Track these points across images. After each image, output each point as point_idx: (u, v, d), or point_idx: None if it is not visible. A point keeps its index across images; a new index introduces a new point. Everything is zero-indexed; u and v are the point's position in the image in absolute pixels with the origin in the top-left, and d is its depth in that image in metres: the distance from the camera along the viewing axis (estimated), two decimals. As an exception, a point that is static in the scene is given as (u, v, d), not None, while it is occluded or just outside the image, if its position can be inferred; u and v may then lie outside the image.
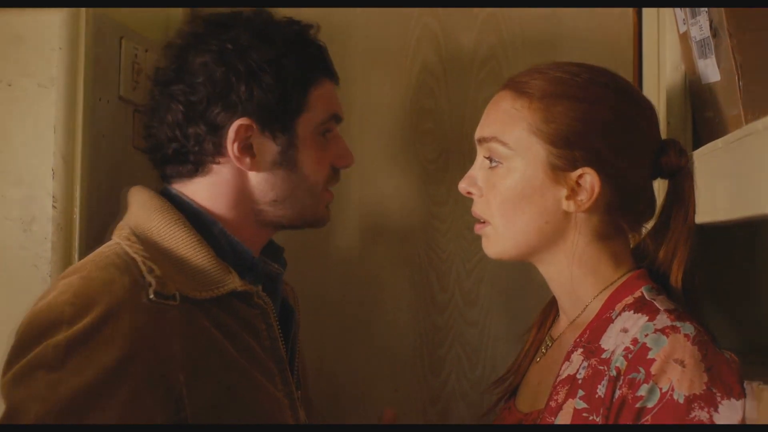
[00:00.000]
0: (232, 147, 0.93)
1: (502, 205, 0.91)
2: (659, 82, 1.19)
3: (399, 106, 1.39)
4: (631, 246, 0.97)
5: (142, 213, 0.93)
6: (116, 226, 0.95)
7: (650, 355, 0.79)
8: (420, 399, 1.37)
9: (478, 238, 0.97)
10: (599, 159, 0.88)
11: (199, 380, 0.84)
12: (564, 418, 0.85)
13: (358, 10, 1.39)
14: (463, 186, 0.96)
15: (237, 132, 0.93)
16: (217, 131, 0.93)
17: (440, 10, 1.39)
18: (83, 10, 1.04)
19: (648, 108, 0.94)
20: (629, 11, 1.35)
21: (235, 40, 0.94)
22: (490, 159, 0.92)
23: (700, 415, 0.76)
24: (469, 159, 0.98)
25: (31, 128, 1.02)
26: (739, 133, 0.78)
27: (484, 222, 0.95)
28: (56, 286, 0.84)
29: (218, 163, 0.95)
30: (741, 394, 0.78)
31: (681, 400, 0.76)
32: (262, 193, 0.97)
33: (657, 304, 0.85)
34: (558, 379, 0.89)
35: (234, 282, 0.91)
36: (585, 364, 0.86)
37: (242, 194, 0.96)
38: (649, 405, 0.78)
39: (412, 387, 1.37)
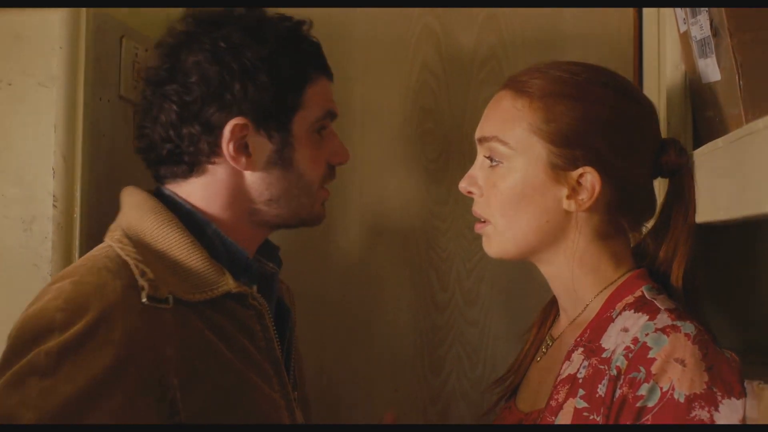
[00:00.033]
0: (227, 147, 0.92)
1: (502, 204, 0.91)
2: (659, 82, 1.19)
3: (399, 106, 1.39)
4: (632, 245, 0.97)
5: (135, 214, 0.92)
6: (108, 227, 0.94)
7: (651, 355, 0.79)
8: (420, 398, 1.37)
9: (479, 237, 0.97)
10: (600, 158, 0.88)
11: (194, 383, 0.84)
12: (564, 417, 0.85)
13: (359, 9, 1.39)
14: (463, 185, 0.96)
15: (232, 131, 0.92)
16: (212, 131, 0.92)
17: (440, 9, 1.39)
18: (83, 9, 1.04)
19: (648, 107, 0.94)
20: (629, 11, 1.35)
21: (228, 39, 0.92)
22: (491, 158, 0.92)
23: (701, 414, 0.76)
24: (470, 158, 0.98)
25: (31, 127, 1.02)
26: (740, 132, 0.78)
27: (484, 221, 0.95)
28: (48, 291, 0.82)
29: (213, 163, 0.94)
30: (741, 394, 0.78)
31: (681, 400, 0.76)
32: (258, 193, 0.96)
33: (657, 304, 0.85)
34: (558, 379, 0.89)
35: (228, 283, 0.90)
36: (585, 363, 0.86)
37: (238, 194, 0.95)
38: (650, 404, 0.78)
39: (413, 386, 1.37)
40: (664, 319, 0.82)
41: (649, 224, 0.97)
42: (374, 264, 1.39)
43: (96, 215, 1.04)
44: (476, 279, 1.37)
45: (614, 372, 0.81)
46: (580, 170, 0.88)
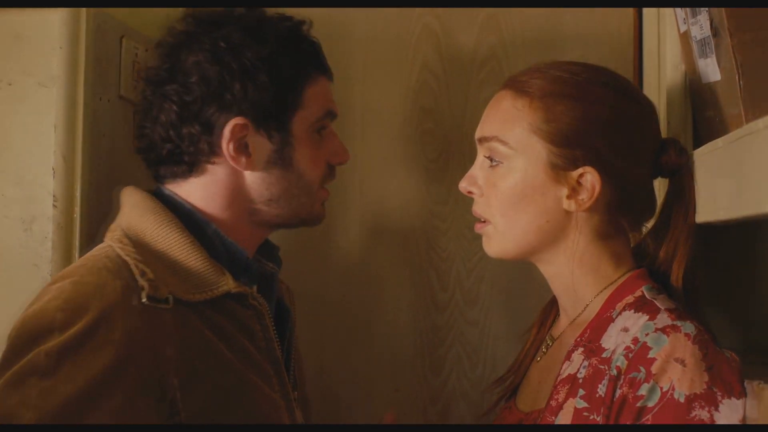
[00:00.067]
0: (227, 147, 0.92)
1: (502, 204, 0.91)
2: (659, 82, 1.19)
3: (399, 106, 1.39)
4: (632, 245, 0.97)
5: (135, 214, 0.92)
6: (108, 227, 0.94)
7: (651, 355, 0.79)
8: (420, 398, 1.37)
9: (479, 237, 0.97)
10: (600, 158, 0.88)
11: (194, 383, 0.84)
12: (564, 417, 0.85)
13: (359, 9, 1.39)
14: (463, 185, 0.96)
15: (232, 131, 0.91)
16: (212, 131, 0.92)
17: (440, 9, 1.39)
18: (84, 9, 1.04)
19: (648, 107, 0.94)
20: (629, 11, 1.35)
21: (228, 38, 0.92)
22: (491, 158, 0.92)
23: (701, 414, 0.76)
24: (470, 158, 0.98)
25: (31, 127, 1.02)
26: (740, 132, 0.78)
27: (484, 221, 0.95)
28: (48, 291, 0.82)
29: (213, 163, 0.94)
30: (741, 394, 0.78)
31: (682, 400, 0.76)
32: (258, 193, 0.96)
33: (657, 304, 0.85)
34: (558, 379, 0.89)
35: (228, 284, 0.90)
36: (585, 363, 0.86)
37: (237, 194, 0.95)
38: (650, 404, 0.78)
39: (413, 386, 1.37)
40: (664, 319, 0.82)
41: (649, 224, 0.97)
42: (374, 264, 1.39)
43: (96, 215, 1.04)
44: (476, 279, 1.37)
45: (614, 372, 0.81)
46: (580, 170, 0.88)
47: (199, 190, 0.95)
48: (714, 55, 0.91)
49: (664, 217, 0.94)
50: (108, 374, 0.76)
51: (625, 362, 0.81)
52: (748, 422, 0.77)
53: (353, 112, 1.38)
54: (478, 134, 0.95)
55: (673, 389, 0.77)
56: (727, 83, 0.88)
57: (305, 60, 0.97)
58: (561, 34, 1.36)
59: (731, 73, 0.85)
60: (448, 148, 1.38)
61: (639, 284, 0.89)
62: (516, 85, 0.92)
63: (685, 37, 1.02)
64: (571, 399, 0.85)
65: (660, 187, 0.99)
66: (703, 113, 1.04)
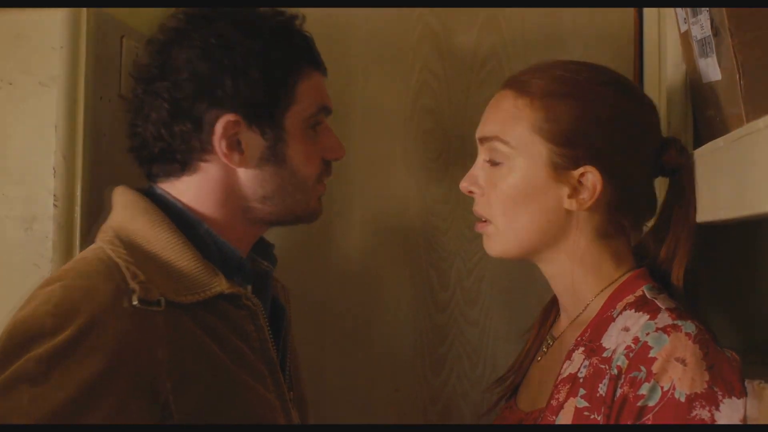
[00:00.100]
0: (219, 143, 0.90)
1: (504, 204, 0.91)
2: (660, 81, 1.19)
3: (400, 106, 1.39)
4: (632, 245, 0.97)
5: (126, 215, 0.91)
6: (99, 228, 0.93)
7: (651, 354, 0.79)
8: (420, 398, 1.37)
9: (479, 237, 0.97)
10: (601, 157, 0.88)
11: (187, 386, 0.83)
12: (565, 417, 0.85)
13: (359, 9, 1.39)
14: (464, 185, 0.96)
15: (224, 128, 0.90)
16: (204, 128, 0.90)
17: (441, 9, 1.39)
18: (84, 9, 1.04)
19: (649, 106, 0.94)
20: (630, 10, 1.35)
21: (219, 34, 0.91)
22: (492, 158, 0.92)
23: (702, 413, 0.76)
24: (470, 158, 0.98)
25: (32, 127, 1.03)
26: (740, 131, 0.78)
27: (485, 221, 0.95)
28: (37, 295, 0.81)
29: (206, 160, 0.92)
30: (742, 393, 0.78)
31: (682, 399, 0.76)
32: (252, 190, 0.94)
33: (658, 303, 0.85)
34: (559, 378, 0.89)
35: (221, 284, 0.88)
36: (586, 362, 0.86)
37: (231, 192, 0.94)
38: (651, 404, 0.78)
39: (413, 386, 1.37)
40: (664, 318, 0.82)
41: (650, 224, 0.97)
42: (374, 263, 1.39)
43: (97, 215, 1.04)
44: (476, 278, 1.37)
45: (615, 371, 0.81)
46: (581, 169, 0.88)
47: (192, 189, 0.93)
48: (714, 55, 0.91)
49: (665, 217, 0.94)
50: (99, 379, 0.75)
51: (626, 362, 0.81)
52: (749, 422, 0.77)
53: (354, 111, 1.39)
54: (478, 134, 0.95)
55: (674, 389, 0.77)
56: (727, 83, 0.88)
57: (298, 55, 0.95)
58: (561, 34, 1.36)
59: (732, 72, 0.85)
60: (448, 148, 1.38)
61: (639, 284, 0.89)
62: (517, 84, 0.92)
63: (685, 36, 1.02)
64: (571, 398, 0.85)
65: (660, 186, 0.99)
66: (704, 113, 1.04)
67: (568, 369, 0.88)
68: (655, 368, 0.78)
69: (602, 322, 0.88)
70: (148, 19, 1.20)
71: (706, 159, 0.89)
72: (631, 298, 0.88)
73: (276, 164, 0.94)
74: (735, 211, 0.79)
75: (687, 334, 0.79)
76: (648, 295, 0.87)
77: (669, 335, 0.80)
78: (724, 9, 0.84)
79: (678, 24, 1.05)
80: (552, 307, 1.04)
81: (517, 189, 0.90)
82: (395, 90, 1.39)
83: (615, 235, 0.92)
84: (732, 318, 1.19)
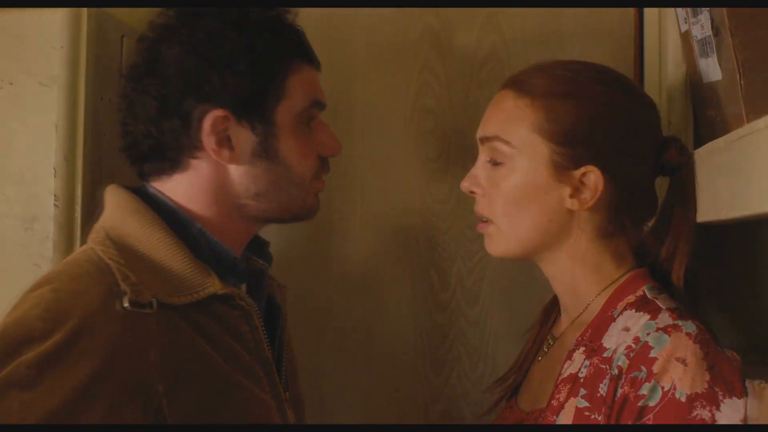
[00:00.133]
0: (208, 139, 0.88)
1: (505, 204, 0.91)
2: (660, 81, 1.19)
3: (400, 106, 1.39)
4: (633, 245, 0.97)
5: (118, 215, 0.89)
6: (92, 227, 0.92)
7: (652, 354, 0.79)
8: (421, 398, 1.37)
9: (480, 236, 0.97)
10: (602, 157, 0.88)
11: (180, 389, 0.81)
12: (566, 417, 0.85)
13: (360, 10, 1.39)
14: (465, 185, 0.96)
15: (213, 124, 0.88)
16: (192, 124, 0.88)
17: (441, 9, 1.38)
18: (84, 9, 1.04)
19: (650, 105, 0.94)
20: (630, 10, 1.35)
21: (206, 29, 0.89)
22: (493, 158, 0.92)
23: (702, 414, 0.76)
24: (471, 158, 0.98)
25: (32, 127, 1.03)
26: (741, 131, 0.78)
27: (486, 221, 0.94)
28: (27, 298, 0.79)
29: (196, 157, 0.90)
30: (743, 393, 0.78)
31: (683, 399, 0.76)
32: (244, 187, 0.92)
33: (659, 303, 0.85)
34: (560, 378, 0.89)
35: (214, 285, 0.87)
36: (587, 362, 0.86)
37: (223, 189, 0.92)
38: (651, 404, 0.78)
39: (413, 386, 1.37)
40: (665, 318, 0.82)
41: (650, 224, 0.97)
42: (375, 263, 1.39)
43: (97, 215, 1.04)
44: (477, 278, 1.37)
45: (615, 371, 0.81)
46: (583, 169, 0.88)
47: (184, 187, 0.92)
48: (715, 55, 0.91)
49: (665, 216, 0.94)
50: (91, 384, 0.74)
51: (627, 362, 0.81)
52: (749, 422, 0.77)
53: (354, 111, 1.38)
54: (479, 134, 0.95)
55: (675, 389, 0.77)
56: (728, 83, 0.88)
57: (287, 48, 0.93)
58: (562, 34, 1.36)
59: (732, 72, 0.85)
60: (448, 148, 1.38)
61: (640, 283, 0.89)
62: (517, 84, 0.92)
63: (686, 36, 1.02)
64: (572, 398, 0.85)
65: (661, 187, 0.99)
66: (704, 113, 1.04)
67: (569, 369, 0.88)
68: (655, 368, 0.78)
69: (603, 322, 0.88)
70: (148, 19, 1.21)
71: (707, 159, 0.89)
72: (631, 298, 0.88)
73: (268, 160, 0.92)
74: (735, 211, 0.79)
75: (688, 334, 0.79)
76: (648, 295, 0.87)
77: (670, 335, 0.80)
78: (724, 9, 0.84)
79: (678, 24, 1.05)
80: (553, 307, 1.04)
81: (518, 189, 0.90)
82: (395, 90, 1.39)
83: (616, 234, 0.92)
84: (732, 318, 1.19)
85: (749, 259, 1.22)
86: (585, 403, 0.83)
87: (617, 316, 0.87)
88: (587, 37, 1.35)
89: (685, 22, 1.00)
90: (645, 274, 0.91)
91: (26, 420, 0.69)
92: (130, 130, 0.92)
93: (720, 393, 0.77)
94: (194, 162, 0.91)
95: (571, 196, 0.89)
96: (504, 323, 1.36)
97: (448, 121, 1.38)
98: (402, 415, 1.36)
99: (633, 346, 0.81)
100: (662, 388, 0.77)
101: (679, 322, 0.81)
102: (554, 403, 0.87)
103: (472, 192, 0.95)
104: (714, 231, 0.93)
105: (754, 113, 0.82)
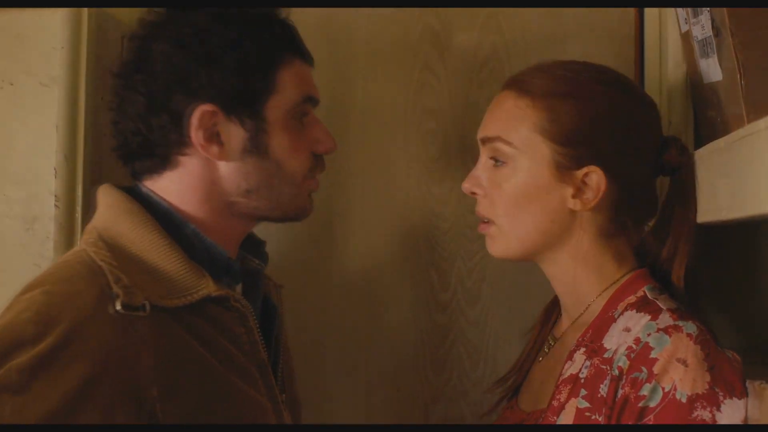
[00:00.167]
0: (196, 135, 0.87)
1: (507, 204, 0.91)
2: (661, 81, 1.19)
3: (401, 106, 1.39)
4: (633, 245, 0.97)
5: (110, 215, 0.88)
6: (85, 228, 0.91)
7: (653, 355, 0.79)
8: (421, 398, 1.37)
9: (480, 237, 0.97)
10: (604, 157, 0.88)
11: (174, 393, 0.80)
12: (566, 417, 0.85)
13: (360, 10, 1.38)
14: (467, 186, 0.96)
15: (201, 119, 0.86)
16: (181, 120, 0.87)
17: (441, 9, 1.38)
18: (85, 9, 1.04)
19: (650, 105, 0.94)
20: (631, 10, 1.35)
21: (194, 25, 0.88)
22: (495, 159, 0.92)
23: (703, 414, 0.76)
24: (471, 158, 0.98)
25: (33, 127, 1.03)
26: (741, 132, 0.78)
27: (488, 222, 0.94)
28: (19, 301, 0.78)
29: (185, 154, 0.89)
30: (743, 393, 0.78)
31: (683, 400, 0.76)
32: (234, 184, 0.90)
33: (659, 304, 0.85)
34: (560, 379, 0.89)
35: (208, 287, 0.85)
36: (587, 363, 0.86)
37: (213, 186, 0.90)
38: (652, 404, 0.78)
39: (414, 386, 1.37)
40: (666, 319, 0.82)
41: (650, 224, 0.97)
42: (375, 264, 1.39)
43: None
44: (478, 279, 1.37)
45: (616, 372, 0.81)
46: (584, 169, 0.88)
47: (175, 185, 0.91)
48: (715, 55, 0.91)
49: (665, 216, 0.94)
50: (83, 388, 0.73)
51: (627, 362, 0.81)
52: (750, 422, 0.77)
53: (354, 112, 1.38)
54: (480, 134, 0.95)
55: (675, 389, 0.77)
56: (728, 83, 0.88)
57: (276, 42, 0.92)
58: (562, 34, 1.36)
59: (733, 72, 0.85)
60: (449, 148, 1.38)
61: (641, 284, 0.89)
62: (518, 84, 0.92)
63: (686, 36, 1.02)
64: (573, 399, 0.85)
65: (661, 187, 0.99)
66: (705, 113, 1.04)
67: (570, 369, 0.88)
68: (656, 369, 0.78)
69: (603, 322, 0.88)
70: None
71: (707, 159, 0.89)
72: (632, 298, 0.88)
73: (259, 156, 0.90)
74: (735, 211, 0.79)
75: (688, 334, 0.80)
76: (649, 296, 0.87)
77: (670, 336, 0.80)
78: (724, 9, 0.84)
79: (679, 24, 1.05)
80: (553, 308, 1.04)
81: (520, 189, 0.90)
82: (395, 90, 1.39)
83: (617, 234, 0.92)
84: (732, 318, 1.19)
85: (749, 259, 1.22)
86: (585, 404, 0.83)
87: (618, 317, 0.87)
88: (587, 37, 1.35)
89: (686, 23, 1.01)
90: (646, 275, 0.91)
91: (19, 424, 0.68)
92: (121, 128, 0.91)
93: (721, 393, 0.77)
94: (184, 159, 0.90)
95: (574, 197, 0.89)
96: (504, 323, 1.36)
97: (448, 122, 1.38)
98: (402, 415, 1.36)
99: (634, 346, 0.81)
100: (663, 388, 0.77)
101: (680, 323, 0.81)
102: (555, 403, 0.87)
103: (473, 193, 0.95)
104: (714, 231, 0.94)
105: (755, 114, 0.82)
